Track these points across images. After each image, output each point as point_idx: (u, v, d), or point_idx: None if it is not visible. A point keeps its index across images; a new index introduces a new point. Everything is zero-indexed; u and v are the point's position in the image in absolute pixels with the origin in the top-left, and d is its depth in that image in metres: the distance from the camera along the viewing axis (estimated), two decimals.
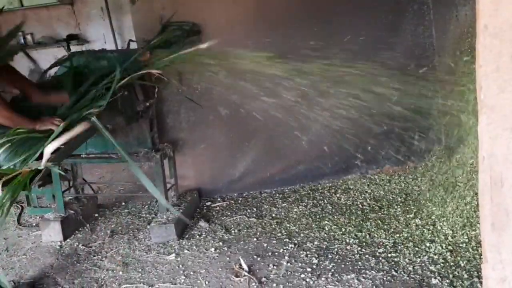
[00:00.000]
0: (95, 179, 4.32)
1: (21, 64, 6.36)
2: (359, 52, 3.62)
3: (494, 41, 1.10)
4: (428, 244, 2.71)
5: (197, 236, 3.21)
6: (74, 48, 6.02)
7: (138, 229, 3.42)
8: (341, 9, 3.58)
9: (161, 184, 3.30)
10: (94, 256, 3.11)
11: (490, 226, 1.23)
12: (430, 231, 2.82)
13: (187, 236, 3.22)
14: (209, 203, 3.72)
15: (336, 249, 2.85)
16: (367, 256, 2.73)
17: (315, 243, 2.94)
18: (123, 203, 3.89)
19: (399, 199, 3.35)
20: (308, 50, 3.59)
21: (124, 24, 5.92)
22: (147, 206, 3.78)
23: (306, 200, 3.56)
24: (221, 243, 3.08)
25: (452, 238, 2.68)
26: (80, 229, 3.48)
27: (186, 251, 3.04)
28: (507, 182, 1.18)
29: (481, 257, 2.15)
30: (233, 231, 3.22)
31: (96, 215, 3.70)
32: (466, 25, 2.99)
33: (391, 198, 3.40)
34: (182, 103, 3.70)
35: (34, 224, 3.67)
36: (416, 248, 2.70)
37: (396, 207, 3.24)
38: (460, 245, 2.61)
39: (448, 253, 2.58)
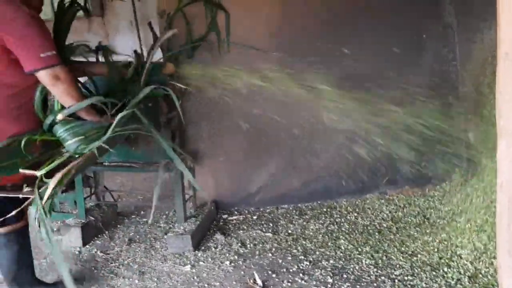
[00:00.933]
0: (116, 187, 4.40)
1: None
2: (381, 72, 3.64)
3: None
4: (446, 269, 2.67)
5: (213, 249, 3.23)
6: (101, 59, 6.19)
7: (155, 238, 3.46)
8: (364, 27, 3.60)
9: (180, 195, 3.35)
10: (112, 263, 3.16)
11: (507, 253, 1.22)
12: (448, 256, 2.78)
13: (203, 248, 3.24)
14: (225, 216, 3.74)
15: (351, 269, 2.83)
16: (383, 277, 2.70)
17: (331, 261, 2.93)
18: (142, 212, 3.94)
19: (418, 221, 3.31)
20: (331, 69, 3.63)
21: (151, 38, 6.05)
22: (165, 216, 3.83)
23: (323, 218, 3.55)
24: (236, 257, 3.09)
25: (471, 264, 2.63)
26: (99, 235, 3.54)
27: (201, 262, 3.06)
28: None
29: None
30: (248, 246, 3.23)
31: (115, 222, 3.76)
32: (491, 50, 2.98)
33: (409, 220, 3.36)
34: (204, 115, 3.76)
35: (55, 229, 3.74)
36: (434, 272, 2.66)
37: (414, 229, 3.20)
38: (479, 271, 2.56)
39: (467, 279, 2.53)
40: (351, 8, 3.58)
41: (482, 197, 2.80)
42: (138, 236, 3.52)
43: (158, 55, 3.77)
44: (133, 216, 3.88)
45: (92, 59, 3.59)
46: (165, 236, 3.36)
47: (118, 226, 3.71)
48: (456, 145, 3.71)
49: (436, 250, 2.87)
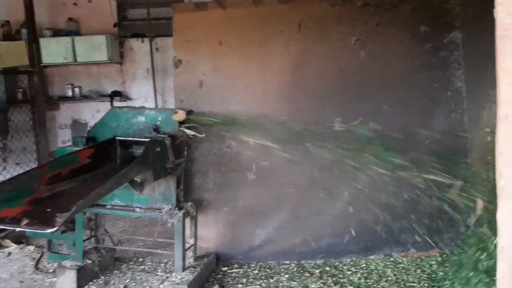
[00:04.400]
0: (117, 232, 4.35)
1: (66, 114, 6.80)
2: (391, 133, 3.66)
3: None
4: None
5: None
6: (116, 104, 6.37)
7: (151, 287, 3.37)
8: (376, 92, 3.67)
9: (180, 243, 3.29)
10: None
11: None
12: None
13: None
14: (225, 268, 3.65)
15: None
16: None
17: None
18: (141, 259, 3.87)
19: (423, 285, 3.19)
20: (339, 130, 3.67)
21: (166, 86, 6.26)
22: (163, 264, 3.75)
23: (325, 277, 3.44)
24: None
25: None
26: (94, 280, 3.46)
27: None
28: None
29: None
30: None
31: (112, 268, 3.68)
32: None
33: (414, 284, 3.24)
34: (211, 165, 3.77)
35: (51, 270, 3.68)
36: None
37: None
38: None
39: None
40: (365, 78, 3.68)
41: (488, 262, 2.71)
42: (134, 284, 3.43)
43: (172, 100, 3.85)
44: (131, 263, 3.81)
45: (105, 104, 3.69)
46: (161, 286, 3.27)
47: (115, 271, 3.63)
48: (462, 211, 3.64)
49: None
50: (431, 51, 3.61)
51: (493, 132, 3.08)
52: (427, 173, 3.62)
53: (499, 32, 1.15)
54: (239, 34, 3.77)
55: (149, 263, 3.80)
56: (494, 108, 3.05)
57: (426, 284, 3.20)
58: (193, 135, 3.22)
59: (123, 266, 3.73)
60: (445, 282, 3.13)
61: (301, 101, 3.74)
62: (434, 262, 3.53)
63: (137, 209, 3.38)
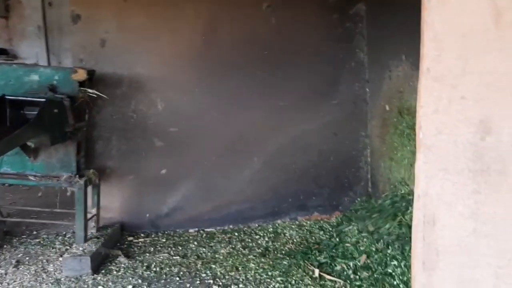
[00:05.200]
0: (6, 203, 3.94)
1: None
2: (298, 101, 3.76)
3: (435, 84, 1.16)
4: None
5: (115, 272, 2.98)
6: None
7: (48, 260, 3.12)
8: (286, 60, 3.71)
9: (81, 213, 3.06)
10: None
11: (422, 265, 1.24)
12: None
13: (103, 271, 2.98)
14: (131, 238, 3.51)
15: None
16: None
17: (240, 286, 2.84)
18: (35, 232, 3.56)
19: (326, 244, 3.36)
20: (250, 97, 3.68)
21: (61, 45, 5.70)
22: (61, 237, 3.49)
23: (234, 242, 3.47)
24: (140, 281, 2.87)
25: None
26: None
27: (100, 287, 2.79)
28: (439, 222, 1.21)
29: None
30: (154, 269, 3.03)
31: (2, 242, 3.33)
32: (398, 85, 3.20)
33: (318, 244, 3.40)
34: (115, 130, 3.55)
35: None
36: None
37: (322, 252, 3.23)
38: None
39: None
40: (276, 46, 3.69)
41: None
42: (28, 258, 3.14)
43: (69, 61, 3.55)
44: (23, 236, 3.48)
45: None
46: (60, 258, 3.04)
47: (5, 246, 3.29)
48: (362, 173, 3.91)
49: (344, 270, 2.91)
50: (338, 22, 3.73)
51: (391, 101, 3.31)
52: (331, 142, 3.82)
53: None
54: None
55: (44, 236, 3.51)
56: (393, 77, 3.26)
57: (326, 242, 3.38)
58: (97, 95, 2.97)
59: (15, 240, 3.40)
60: (340, 238, 3.35)
61: (211, 67, 3.65)
62: (334, 222, 3.73)
63: (31, 177, 3.07)
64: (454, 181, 1.16)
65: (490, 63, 1.14)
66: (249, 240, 3.50)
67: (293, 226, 3.74)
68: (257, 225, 3.77)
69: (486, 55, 1.14)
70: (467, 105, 1.16)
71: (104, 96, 3.15)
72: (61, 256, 3.10)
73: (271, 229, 3.71)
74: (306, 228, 3.71)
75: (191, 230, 3.69)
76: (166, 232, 3.65)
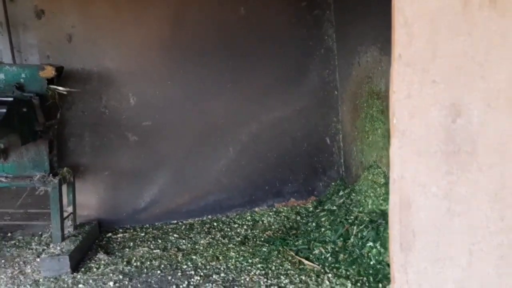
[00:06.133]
0: None
1: None
2: (270, 89, 3.79)
3: (407, 69, 1.20)
4: (330, 276, 2.79)
5: (95, 270, 2.96)
6: None
7: (25, 262, 3.06)
8: (256, 48, 3.72)
9: (57, 212, 3.02)
10: None
11: (399, 247, 1.30)
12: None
13: (83, 269, 2.95)
14: (109, 234, 3.48)
15: (242, 281, 2.80)
16: (273, 287, 2.72)
17: (222, 275, 2.87)
18: (9, 234, 3.48)
19: (303, 229, 3.44)
20: (222, 86, 3.68)
21: (26, 42, 5.51)
22: (37, 237, 3.43)
23: (213, 232, 3.50)
24: (121, 276, 2.87)
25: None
26: None
27: (81, 285, 2.77)
28: (415, 204, 1.27)
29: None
30: (135, 264, 3.03)
31: None
32: (367, 70, 3.26)
33: (295, 229, 3.47)
34: (87, 127, 3.50)
35: None
36: (319, 278, 2.76)
37: (300, 237, 3.30)
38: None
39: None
40: (245, 34, 3.70)
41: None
42: (3, 261, 3.08)
43: (35, 58, 3.46)
44: None
45: None
46: (38, 259, 2.99)
47: None
48: (335, 158, 3.98)
49: (321, 252, 2.99)
50: (306, 9, 3.75)
51: (360, 86, 3.37)
52: (303, 129, 3.87)
53: None
54: None
55: (19, 237, 3.44)
56: (362, 63, 3.32)
57: (303, 227, 3.45)
58: (67, 91, 2.90)
59: None
60: (316, 223, 3.42)
61: (181, 58, 3.63)
62: (310, 207, 3.81)
63: (2, 179, 2.99)
64: (428, 163, 1.21)
65: (459, 46, 1.18)
66: (228, 229, 3.54)
67: (270, 213, 3.79)
68: (235, 214, 3.81)
69: (455, 39, 1.18)
70: (438, 89, 1.21)
71: (77, 90, 3.09)
72: (38, 256, 3.06)
73: (249, 217, 3.76)
74: (284, 214, 3.77)
75: (170, 223, 3.69)
76: (145, 226, 3.64)
